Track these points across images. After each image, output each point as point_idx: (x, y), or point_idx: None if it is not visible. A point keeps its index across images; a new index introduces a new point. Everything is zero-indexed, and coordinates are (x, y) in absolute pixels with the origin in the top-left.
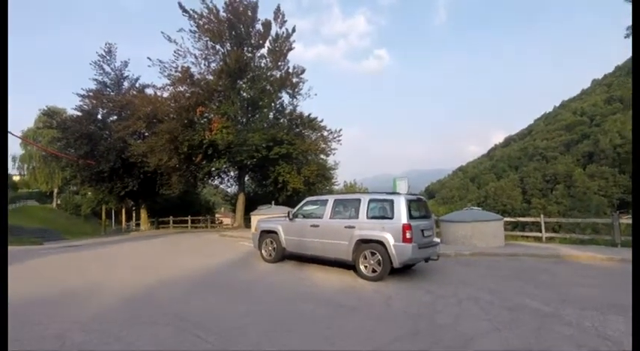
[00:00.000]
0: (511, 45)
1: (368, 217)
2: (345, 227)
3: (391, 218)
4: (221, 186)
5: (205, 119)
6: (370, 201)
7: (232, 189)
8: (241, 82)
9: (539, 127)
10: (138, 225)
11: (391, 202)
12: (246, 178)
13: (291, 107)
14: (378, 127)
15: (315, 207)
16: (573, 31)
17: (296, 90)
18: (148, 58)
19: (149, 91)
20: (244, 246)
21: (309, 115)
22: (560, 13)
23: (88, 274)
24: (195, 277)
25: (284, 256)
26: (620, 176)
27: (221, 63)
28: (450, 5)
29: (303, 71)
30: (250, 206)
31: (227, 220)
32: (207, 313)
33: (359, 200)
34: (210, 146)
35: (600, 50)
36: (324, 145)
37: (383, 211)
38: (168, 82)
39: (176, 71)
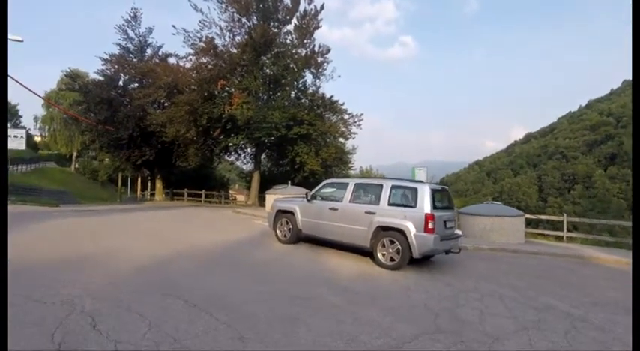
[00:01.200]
0: (540, 40)
1: (389, 204)
2: (365, 213)
3: (414, 207)
4: (237, 163)
5: (226, 93)
6: (393, 188)
7: (248, 166)
8: (265, 58)
9: (562, 126)
10: (153, 195)
11: (415, 190)
12: (262, 157)
13: (313, 88)
14: (397, 116)
15: (334, 190)
16: (608, 28)
17: (320, 70)
18: (173, 26)
19: (171, 60)
20: (258, 224)
21: (332, 97)
22: (597, 7)
23: (103, 241)
24: (209, 252)
25: (299, 237)
26: None
27: (246, 36)
28: None
29: (328, 51)
30: (265, 185)
31: (240, 198)
32: (219, 290)
33: (381, 186)
34: (229, 121)
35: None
36: (344, 129)
37: (405, 199)
38: (192, 51)
39: (200, 41)
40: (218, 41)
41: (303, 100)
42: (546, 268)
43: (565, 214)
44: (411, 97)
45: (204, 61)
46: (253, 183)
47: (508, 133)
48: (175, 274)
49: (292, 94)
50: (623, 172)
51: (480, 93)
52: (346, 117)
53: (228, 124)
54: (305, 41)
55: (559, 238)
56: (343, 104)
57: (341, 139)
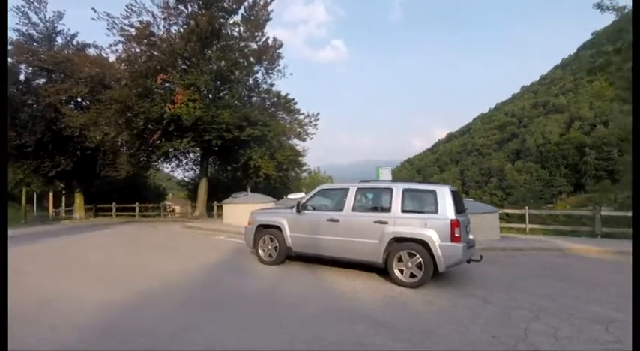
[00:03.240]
0: (457, 47)
1: (403, 211)
2: (375, 222)
3: (434, 212)
4: (177, 170)
5: (167, 89)
6: (405, 191)
7: (189, 174)
8: (212, 50)
9: (476, 126)
10: (70, 212)
11: (433, 193)
12: (208, 162)
13: (265, 85)
14: (332, 118)
15: (330, 198)
16: (509, 39)
17: (273, 66)
18: (93, 9)
19: (91, 51)
20: (222, 241)
21: (287, 94)
22: (501, 21)
23: (30, 281)
24: (184, 289)
25: (287, 256)
26: (541, 171)
27: (185, 26)
28: (406, 3)
29: (280, 46)
30: (214, 193)
31: (178, 209)
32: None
33: (390, 190)
34: (171, 122)
35: (528, 60)
36: (299, 129)
37: (422, 204)
38: (121, 39)
39: (132, 27)
40: (153, 29)
41: (255, 99)
42: (547, 266)
43: (527, 207)
44: (345, 99)
45: (138, 50)
46: (200, 192)
47: (432, 133)
48: (155, 331)
49: (244, 92)
50: (527, 165)
51: (407, 95)
52: (301, 117)
53: (171, 126)
54: (256, 34)
55: (522, 231)
56: (296, 103)
57: (295, 141)
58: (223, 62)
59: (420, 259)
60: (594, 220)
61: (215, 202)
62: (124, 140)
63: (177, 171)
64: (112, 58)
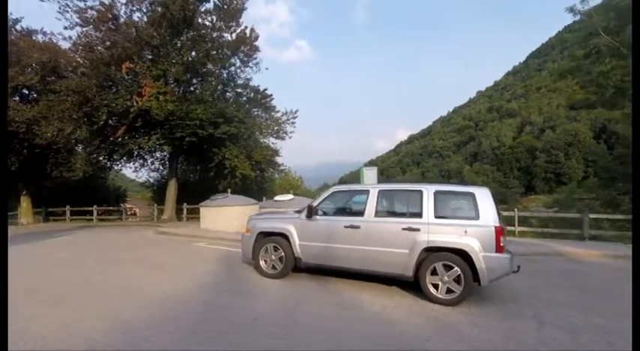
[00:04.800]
0: (417, 52)
1: (437, 216)
2: (404, 229)
3: (475, 218)
4: (142, 169)
5: (133, 80)
6: (438, 193)
7: (154, 174)
8: (181, 40)
9: (436, 129)
10: (15, 217)
11: (472, 195)
12: (178, 161)
13: (240, 80)
14: (298, 119)
15: (347, 201)
16: (466, 45)
17: (250, 58)
18: None
19: (39, 39)
20: (207, 250)
21: (265, 90)
22: (458, 28)
23: None
24: (181, 320)
25: (296, 268)
26: (497, 173)
27: (148, 14)
28: (370, 6)
29: (257, 38)
30: (181, 195)
31: (138, 211)
32: None
33: (419, 192)
34: (138, 117)
35: (482, 66)
36: (276, 127)
37: (459, 209)
38: (79, 21)
39: (91, 9)
40: (116, 13)
41: (230, 94)
42: (566, 274)
43: (516, 210)
44: (310, 99)
45: (99, 35)
46: (169, 193)
47: (395, 135)
48: None
49: (218, 87)
50: (484, 167)
51: (370, 96)
52: (278, 114)
53: (138, 121)
54: (230, 24)
55: (510, 233)
56: (274, 99)
57: (272, 139)
58: (194, 53)
59: (459, 272)
60: (582, 223)
61: (185, 205)
62: (83, 137)
63: (141, 171)
64: (65, 46)
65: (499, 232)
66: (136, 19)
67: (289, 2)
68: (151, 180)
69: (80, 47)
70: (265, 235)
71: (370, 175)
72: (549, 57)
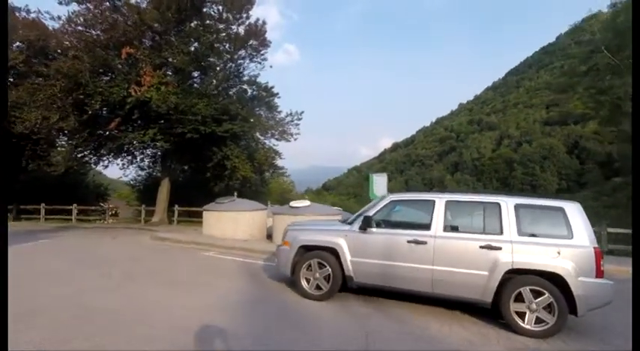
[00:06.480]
0: (403, 64)
1: (521, 234)
2: (481, 248)
3: (568, 237)
4: (130, 167)
5: (131, 67)
6: (519, 207)
7: (144, 172)
8: (187, 28)
9: (420, 138)
10: None
11: (562, 211)
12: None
13: (246, 77)
14: None
15: (408, 212)
16: (449, 60)
17: (258, 54)
18: None
19: (24, 16)
20: (220, 260)
21: (272, 87)
22: (443, 42)
23: None
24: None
25: (346, 288)
26: (477, 183)
27: None
28: (360, 11)
29: (265, 32)
30: (174, 196)
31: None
32: None
33: (497, 205)
34: (135, 108)
35: (464, 80)
36: (281, 128)
37: (547, 226)
38: None
39: None
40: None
41: (234, 90)
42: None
43: None
44: (294, 103)
45: (97, 12)
46: (161, 194)
47: (379, 142)
48: None
49: (223, 81)
50: (464, 177)
51: (355, 103)
52: (283, 115)
53: (134, 113)
54: (238, 16)
55: None
56: (280, 97)
57: (274, 141)
58: (197, 44)
59: (551, 300)
60: (600, 237)
61: (177, 207)
62: (71, 127)
63: (129, 168)
64: (54, 26)
65: (599, 254)
66: (130, 9)
67: (279, 5)
68: (139, 178)
69: (73, 26)
70: (308, 250)
71: (380, 181)
72: (526, 75)
